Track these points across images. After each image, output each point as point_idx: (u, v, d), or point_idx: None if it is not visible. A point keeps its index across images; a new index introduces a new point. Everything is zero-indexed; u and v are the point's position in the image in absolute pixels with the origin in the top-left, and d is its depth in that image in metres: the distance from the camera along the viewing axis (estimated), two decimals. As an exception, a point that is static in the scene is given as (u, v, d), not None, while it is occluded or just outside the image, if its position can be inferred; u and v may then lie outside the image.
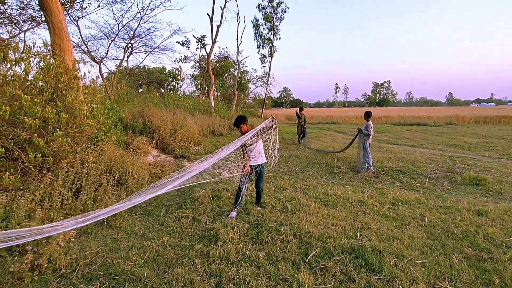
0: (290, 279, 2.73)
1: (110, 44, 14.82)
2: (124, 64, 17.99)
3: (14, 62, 5.45)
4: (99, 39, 14.75)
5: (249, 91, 39.41)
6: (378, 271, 2.88)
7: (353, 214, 4.41)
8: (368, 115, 7.77)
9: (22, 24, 11.68)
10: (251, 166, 4.53)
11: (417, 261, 3.06)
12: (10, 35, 12.31)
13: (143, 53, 18.18)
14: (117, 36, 14.84)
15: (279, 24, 27.53)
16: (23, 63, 5.77)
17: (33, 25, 11.74)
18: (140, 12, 15.07)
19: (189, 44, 24.18)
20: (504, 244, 3.49)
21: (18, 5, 11.68)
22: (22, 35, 12.17)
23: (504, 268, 2.94)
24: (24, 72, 5.38)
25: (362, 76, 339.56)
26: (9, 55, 5.69)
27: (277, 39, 28.12)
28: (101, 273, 2.89)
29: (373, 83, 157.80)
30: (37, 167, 5.08)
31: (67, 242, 3.38)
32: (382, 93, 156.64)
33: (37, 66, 6.51)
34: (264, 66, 29.76)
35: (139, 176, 6.21)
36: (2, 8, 11.88)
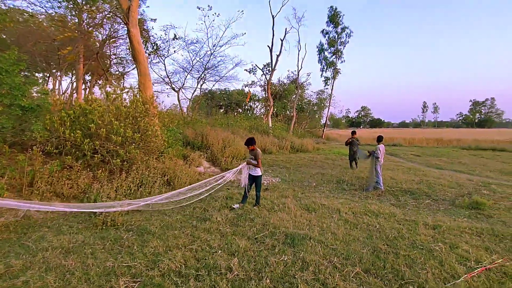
0: (235, 243, 4.31)
1: (186, 75, 18.49)
2: (198, 91, 21.78)
3: (112, 100, 8.41)
4: (179, 73, 18.55)
5: (326, 112, 40.54)
6: (296, 245, 4.23)
7: (319, 217, 5.63)
8: (379, 139, 8.57)
9: (126, 66, 15.97)
10: (250, 175, 6.34)
11: (331, 246, 4.27)
12: (118, 73, 16.93)
13: (213, 82, 21.57)
14: (192, 69, 18.41)
15: (343, 48, 28.46)
16: (117, 99, 8.75)
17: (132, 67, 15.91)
18: (211, 49, 18.43)
19: (255, 71, 27.21)
20: (420, 246, 4.35)
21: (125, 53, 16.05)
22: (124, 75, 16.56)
23: (394, 260, 3.94)
24: (116, 106, 8.25)
25: (456, 93, 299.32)
26: (111, 94, 8.73)
27: (341, 62, 28.98)
28: (135, 228, 4.97)
29: (471, 101, 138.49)
30: (118, 169, 7.72)
31: (122, 213, 5.61)
32: (484, 112, 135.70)
33: (128, 98, 9.49)
34: (327, 88, 30.75)
35: (183, 180, 8.44)
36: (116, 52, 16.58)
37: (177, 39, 16.20)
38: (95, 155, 7.31)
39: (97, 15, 18.28)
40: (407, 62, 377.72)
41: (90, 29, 17.26)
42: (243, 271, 3.54)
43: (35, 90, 7.29)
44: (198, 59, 18.26)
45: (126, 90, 9.96)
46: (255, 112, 37.74)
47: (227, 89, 37.15)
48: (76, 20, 17.05)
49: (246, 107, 41.20)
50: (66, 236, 4.60)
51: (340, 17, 27.00)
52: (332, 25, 27.43)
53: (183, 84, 18.66)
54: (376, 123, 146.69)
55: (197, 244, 4.27)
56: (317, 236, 4.58)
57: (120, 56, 22.43)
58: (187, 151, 11.63)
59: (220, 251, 4.05)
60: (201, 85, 21.04)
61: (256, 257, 3.92)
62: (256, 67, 27.14)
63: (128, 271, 3.51)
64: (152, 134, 8.51)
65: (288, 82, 31.82)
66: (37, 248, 4.12)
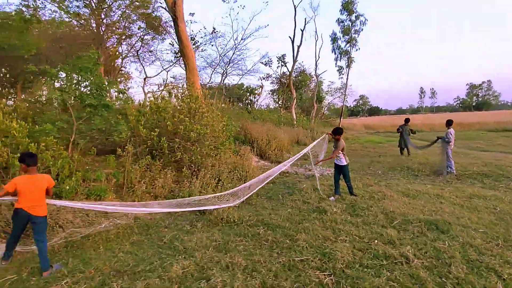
0: (380, 232, 4.23)
1: (213, 71, 18.24)
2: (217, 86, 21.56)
3: (180, 100, 8.23)
4: (204, 68, 18.29)
5: (327, 102, 40.33)
6: (446, 232, 4.15)
7: (430, 203, 5.56)
8: (449, 123, 8.49)
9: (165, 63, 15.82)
10: (335, 164, 6.28)
11: (479, 230, 4.21)
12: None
13: (236, 76, 21.35)
14: (218, 64, 18.16)
15: (357, 36, 28.18)
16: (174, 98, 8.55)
17: (170, 64, 15.77)
18: (235, 43, 18.17)
19: (271, 64, 26.94)
20: None
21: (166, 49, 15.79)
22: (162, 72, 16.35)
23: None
24: (185, 104, 8.07)
25: (453, 78, 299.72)
26: (172, 93, 8.55)
27: (355, 50, 28.75)
28: (259, 223, 4.86)
29: (467, 84, 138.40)
30: (196, 166, 7.55)
31: (235, 208, 5.48)
32: (481, 95, 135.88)
33: (183, 95, 9.30)
34: (341, 78, 30.56)
35: (257, 174, 8.31)
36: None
37: (215, 33, 15.99)
38: (176, 153, 7.16)
39: (114, 13, 17.99)
40: (401, 49, 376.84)
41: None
42: (422, 259, 3.46)
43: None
44: (223, 53, 18.01)
45: (177, 85, 9.75)
46: (255, 105, 37.44)
47: (228, 84, 36.66)
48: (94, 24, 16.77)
49: (247, 101, 40.92)
50: (199, 234, 4.47)
51: (354, 5, 26.77)
52: (346, 13, 27.18)
53: (210, 80, 18.47)
54: (374, 111, 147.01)
55: (344, 236, 4.18)
56: (455, 221, 4.51)
57: (135, 54, 22.19)
58: (237, 146, 11.49)
59: (376, 241, 3.96)
60: (224, 80, 20.81)
61: (417, 244, 3.84)
62: (278, 58, 26.83)
63: (308, 266, 3.41)
64: (220, 130, 8.37)
65: (300, 72, 31.60)
66: (185, 248, 4.00)
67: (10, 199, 3.68)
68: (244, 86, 39.68)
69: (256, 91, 35.11)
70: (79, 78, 6.02)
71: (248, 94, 40.81)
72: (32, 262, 3.70)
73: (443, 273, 3.15)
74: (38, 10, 10.37)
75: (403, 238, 4.04)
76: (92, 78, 5.93)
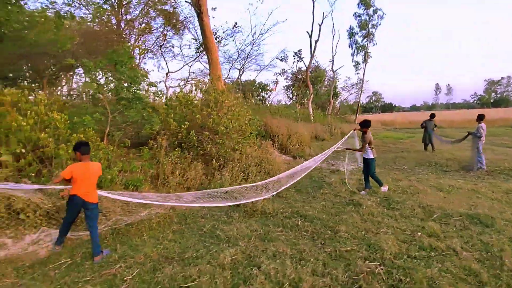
0: (421, 225, 4.20)
1: (230, 67, 18.29)
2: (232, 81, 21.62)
3: (205, 93, 8.31)
4: (222, 64, 18.36)
5: (342, 98, 39.88)
6: (490, 226, 4.09)
7: (467, 198, 5.47)
8: (480, 117, 8.27)
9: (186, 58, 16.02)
10: (363, 158, 6.29)
11: (525, 224, 4.12)
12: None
13: (253, 71, 21.39)
14: (235, 61, 18.20)
15: (375, 31, 27.75)
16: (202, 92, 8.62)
17: (193, 59, 15.96)
18: (253, 38, 18.16)
19: (287, 59, 26.81)
20: None
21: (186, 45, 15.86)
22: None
23: None
24: (212, 98, 8.13)
25: (470, 74, 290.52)
26: (199, 87, 8.63)
27: (373, 45, 28.32)
28: (295, 214, 4.90)
29: (486, 80, 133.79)
30: (223, 159, 7.63)
31: (268, 201, 5.53)
32: (499, 91, 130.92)
33: (208, 89, 9.35)
34: (357, 73, 30.16)
35: (279, 169, 8.35)
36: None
37: (236, 27, 16.07)
38: (206, 146, 7.25)
39: (134, 8, 18.20)
40: (415, 44, 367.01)
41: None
42: (471, 252, 3.42)
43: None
44: (242, 48, 18.04)
45: (201, 80, 9.82)
46: (268, 101, 37.35)
47: (241, 80, 36.60)
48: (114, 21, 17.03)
49: (259, 97, 40.86)
50: (237, 224, 4.54)
51: (371, -1, 26.31)
52: (363, 7, 26.75)
53: (228, 75, 18.57)
54: (388, 108, 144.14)
55: (386, 228, 4.17)
56: (498, 215, 4.43)
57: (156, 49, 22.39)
58: (259, 140, 11.53)
59: (419, 233, 3.94)
60: (241, 75, 20.84)
61: (462, 237, 3.80)
62: (294, 53, 26.63)
63: (355, 256, 3.42)
64: (247, 123, 8.43)
65: (315, 67, 31.30)
66: (227, 237, 4.08)
67: (63, 186, 3.84)
68: (256, 83, 39.70)
69: (268, 88, 35.03)
70: (110, 72, 6.15)
71: (260, 90, 40.75)
72: (83, 248, 3.85)
73: (496, 265, 3.12)
74: (72, 5, 10.62)
75: (447, 231, 4.00)
76: (127, 72, 6.04)
